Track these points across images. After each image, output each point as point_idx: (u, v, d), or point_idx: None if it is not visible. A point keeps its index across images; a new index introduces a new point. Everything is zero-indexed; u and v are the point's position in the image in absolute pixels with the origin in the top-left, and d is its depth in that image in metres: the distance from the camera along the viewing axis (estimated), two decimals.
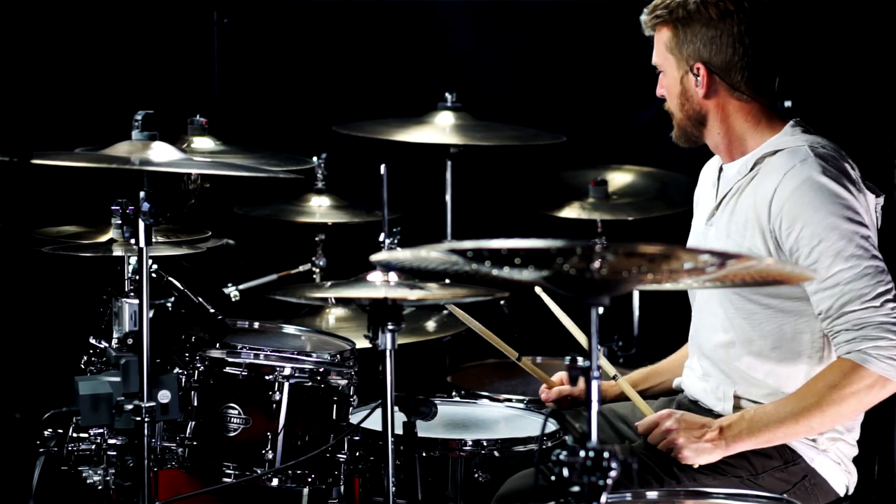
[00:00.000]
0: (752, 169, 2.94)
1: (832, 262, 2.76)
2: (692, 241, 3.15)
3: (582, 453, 1.93)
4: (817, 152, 2.86)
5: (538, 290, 3.23)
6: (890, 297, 2.75)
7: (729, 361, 2.97)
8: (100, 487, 3.07)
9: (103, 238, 3.51)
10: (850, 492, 2.96)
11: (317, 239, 4.52)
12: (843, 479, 2.93)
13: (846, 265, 2.75)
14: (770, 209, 2.84)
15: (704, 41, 2.93)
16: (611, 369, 3.20)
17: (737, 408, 2.95)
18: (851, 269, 2.75)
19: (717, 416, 2.96)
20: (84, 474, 3.11)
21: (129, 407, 2.87)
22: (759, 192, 2.88)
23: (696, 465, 2.80)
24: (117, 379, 2.92)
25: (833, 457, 2.92)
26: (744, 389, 2.95)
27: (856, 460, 2.96)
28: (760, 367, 2.93)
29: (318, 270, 4.51)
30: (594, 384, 1.98)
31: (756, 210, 2.87)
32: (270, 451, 3.15)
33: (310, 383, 3.21)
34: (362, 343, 3.11)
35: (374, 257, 2.21)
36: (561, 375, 3.32)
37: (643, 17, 3.02)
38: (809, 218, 2.78)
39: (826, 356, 2.89)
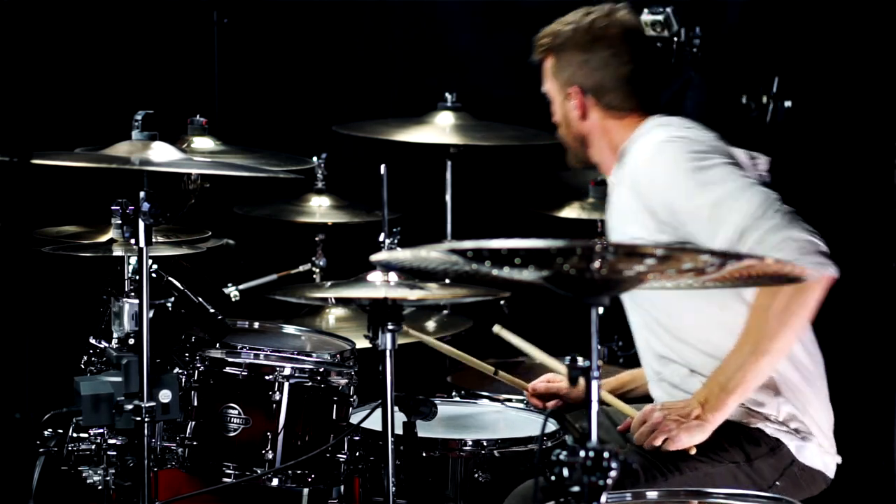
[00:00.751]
0: (620, 168, 3.05)
1: (707, 197, 2.80)
2: None
3: (582, 453, 1.93)
4: (661, 122, 3.01)
5: (496, 329, 3.30)
6: (771, 201, 2.79)
7: (669, 350, 3.03)
8: (100, 487, 3.07)
9: (103, 238, 3.51)
10: (835, 467, 2.99)
11: (317, 239, 4.52)
12: (823, 459, 2.96)
13: (721, 191, 2.79)
14: (637, 190, 2.94)
15: (577, 66, 3.08)
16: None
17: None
18: (729, 193, 2.79)
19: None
20: (84, 474, 3.11)
21: (129, 407, 2.87)
22: (625, 180, 2.99)
23: (692, 450, 2.81)
24: (119, 379, 2.92)
25: (810, 440, 2.94)
26: (695, 366, 2.99)
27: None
28: (700, 344, 2.98)
29: (318, 270, 4.51)
30: (594, 384, 1.98)
31: (627, 197, 2.98)
32: (270, 451, 3.16)
33: (310, 383, 3.21)
34: (362, 343, 3.11)
35: (374, 257, 2.21)
36: (540, 379, 3.33)
37: (535, 51, 3.20)
38: (671, 178, 2.86)
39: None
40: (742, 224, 2.76)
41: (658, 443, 2.82)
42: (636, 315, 3.12)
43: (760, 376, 2.84)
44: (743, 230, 2.76)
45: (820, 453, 2.96)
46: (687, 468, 2.83)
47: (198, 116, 3.91)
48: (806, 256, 2.72)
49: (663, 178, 2.88)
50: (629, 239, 2.95)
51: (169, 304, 3.05)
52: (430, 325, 4.19)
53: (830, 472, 2.98)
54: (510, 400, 3.56)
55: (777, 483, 2.88)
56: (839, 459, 2.99)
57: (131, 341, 2.95)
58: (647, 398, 3.26)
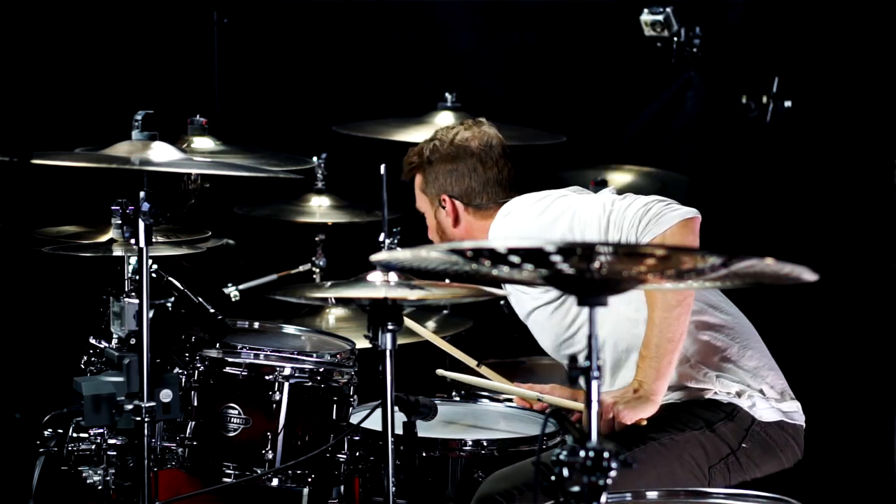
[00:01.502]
0: None
1: (557, 229, 3.06)
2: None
3: (582, 453, 1.93)
4: (503, 211, 3.25)
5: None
6: (605, 195, 3.07)
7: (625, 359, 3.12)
8: (100, 487, 3.07)
9: (103, 238, 3.51)
10: (799, 409, 3.08)
11: (317, 239, 4.52)
12: (780, 409, 3.06)
13: (567, 217, 3.07)
14: None
15: (445, 176, 3.32)
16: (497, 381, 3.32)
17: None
18: (574, 213, 3.07)
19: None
20: (84, 474, 3.11)
21: (129, 407, 2.87)
22: None
23: (642, 422, 2.92)
24: (121, 379, 2.92)
25: (761, 398, 3.05)
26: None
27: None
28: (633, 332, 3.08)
29: (318, 270, 4.51)
30: (594, 384, 1.98)
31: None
32: (270, 451, 3.16)
33: (310, 383, 3.21)
34: (362, 343, 3.11)
35: (374, 257, 2.21)
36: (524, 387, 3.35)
37: (403, 173, 3.42)
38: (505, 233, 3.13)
39: None
40: (601, 225, 3.01)
41: (608, 420, 2.93)
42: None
43: (680, 338, 2.96)
44: (605, 227, 3.00)
45: (774, 406, 3.06)
46: (650, 439, 2.95)
47: (198, 116, 3.91)
48: (666, 210, 2.94)
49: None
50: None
51: (169, 304, 3.05)
52: (430, 325, 4.19)
53: (796, 419, 3.08)
54: (510, 400, 3.56)
55: (743, 445, 3.00)
56: (797, 404, 3.08)
57: (133, 341, 2.94)
58: None
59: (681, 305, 2.95)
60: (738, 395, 3.06)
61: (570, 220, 3.09)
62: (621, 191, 4.71)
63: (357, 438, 3.16)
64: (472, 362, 3.36)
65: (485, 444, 3.04)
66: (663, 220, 2.94)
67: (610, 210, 3.02)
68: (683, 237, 2.95)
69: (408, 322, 3.34)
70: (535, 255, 1.89)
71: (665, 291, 2.92)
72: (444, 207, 3.33)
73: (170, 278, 3.12)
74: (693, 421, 3.02)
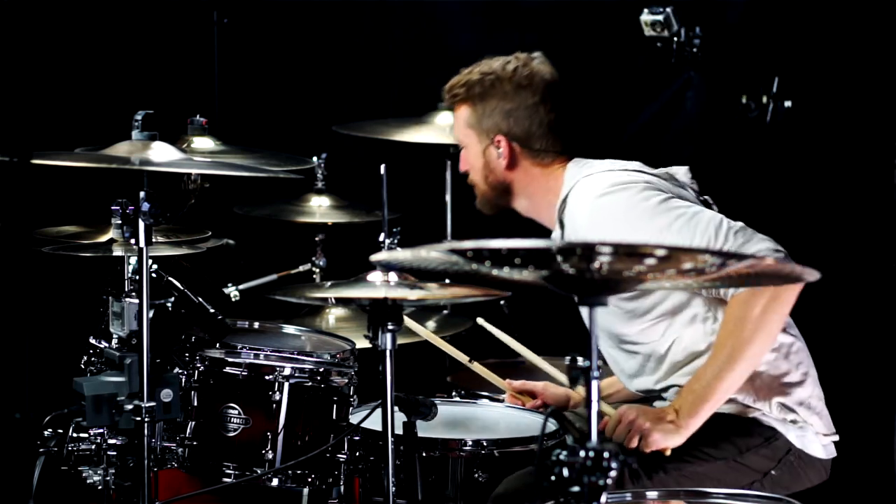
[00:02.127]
0: (562, 228, 3.06)
1: (656, 238, 2.84)
2: None
3: (582, 453, 1.93)
4: (587, 180, 3.00)
5: (480, 320, 3.33)
6: (719, 222, 2.83)
7: (653, 389, 3.05)
8: (100, 487, 3.07)
9: (103, 238, 3.51)
10: (834, 444, 3.00)
11: (317, 239, 4.52)
12: (822, 447, 2.97)
13: (671, 232, 2.83)
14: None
15: (502, 114, 3.09)
16: (563, 378, 3.22)
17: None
18: (679, 231, 2.83)
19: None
20: (84, 474, 3.11)
21: (130, 407, 2.87)
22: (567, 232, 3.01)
23: (667, 451, 2.82)
24: (122, 379, 2.92)
25: (808, 428, 2.95)
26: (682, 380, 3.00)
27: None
28: (680, 379, 2.97)
29: (318, 270, 4.51)
30: (594, 384, 1.98)
31: None
32: (270, 451, 3.16)
33: (310, 383, 3.21)
34: (362, 343, 3.11)
35: (374, 257, 2.21)
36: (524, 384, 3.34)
37: (445, 96, 3.21)
38: (621, 232, 2.87)
39: (718, 312, 2.94)
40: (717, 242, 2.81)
41: (634, 443, 2.83)
42: (611, 349, 3.14)
43: (736, 383, 2.85)
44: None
45: (818, 439, 2.96)
46: (671, 467, 2.85)
47: (198, 116, 3.91)
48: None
49: (615, 234, 2.89)
50: None
51: (169, 304, 3.05)
52: (430, 325, 4.19)
53: (830, 454, 2.99)
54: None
55: (773, 472, 2.90)
56: (836, 438, 3.00)
57: (134, 341, 2.94)
58: (630, 400, 3.27)
59: (746, 361, 2.82)
60: (793, 423, 2.94)
61: (668, 238, 2.88)
62: None
63: (357, 438, 3.16)
64: (464, 358, 3.36)
65: (485, 444, 3.04)
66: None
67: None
68: (779, 307, 2.81)
69: (409, 323, 3.35)
70: (535, 256, 1.89)
71: (745, 337, 2.80)
72: (497, 149, 3.11)
73: (170, 278, 3.12)
74: (722, 448, 2.90)
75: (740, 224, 2.86)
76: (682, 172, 3.11)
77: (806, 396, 2.96)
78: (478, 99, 3.12)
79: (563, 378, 3.20)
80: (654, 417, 2.83)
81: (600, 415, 3.08)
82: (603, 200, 2.93)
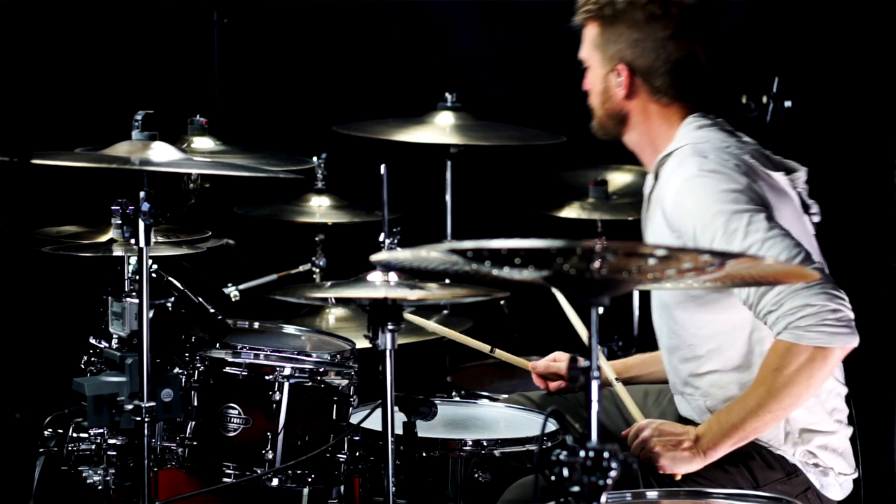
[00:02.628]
0: (656, 179, 2.98)
1: (731, 247, 2.73)
2: None
3: (582, 453, 1.93)
4: (697, 149, 2.86)
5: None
6: (799, 259, 2.70)
7: (693, 374, 2.99)
8: (100, 487, 3.07)
9: (103, 238, 3.51)
10: (849, 491, 2.96)
11: (317, 239, 4.52)
12: (840, 487, 2.93)
13: (744, 245, 2.72)
14: (668, 218, 2.86)
15: (629, 43, 2.94)
16: (611, 374, 3.20)
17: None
18: (752, 247, 2.71)
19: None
20: (84, 474, 3.10)
21: (130, 407, 2.88)
22: (660, 203, 2.91)
23: (677, 476, 2.78)
24: (123, 379, 2.92)
25: (829, 471, 2.91)
26: (711, 402, 2.96)
27: (856, 460, 2.96)
28: (722, 377, 2.94)
29: (318, 270, 4.51)
30: (594, 384, 1.98)
31: (662, 220, 2.90)
32: (270, 451, 3.15)
33: (310, 383, 3.21)
34: (362, 343, 3.11)
35: (374, 257, 2.21)
36: (548, 357, 3.32)
37: (576, 11, 3.04)
38: (698, 218, 2.78)
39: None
40: (765, 289, 2.71)
41: (645, 462, 2.80)
42: (665, 325, 3.07)
43: (761, 430, 2.80)
44: (763, 289, 2.71)
45: (838, 479, 2.92)
46: (684, 492, 2.77)
47: (198, 116, 3.91)
48: (822, 326, 2.66)
49: (692, 217, 2.79)
50: None
51: (169, 304, 3.05)
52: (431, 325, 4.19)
53: (846, 492, 2.95)
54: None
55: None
56: (856, 475, 2.96)
57: (135, 341, 2.94)
58: (655, 383, 3.27)
59: (773, 413, 2.75)
60: (815, 465, 2.89)
61: (727, 218, 2.75)
62: (622, 191, 4.74)
63: (357, 438, 3.16)
64: (485, 348, 3.35)
65: (485, 444, 3.04)
66: (804, 335, 2.68)
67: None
68: (815, 370, 2.69)
69: (416, 319, 3.35)
70: (535, 256, 1.89)
71: (775, 390, 2.73)
72: (618, 77, 2.98)
73: (170, 278, 3.12)
74: (738, 476, 2.85)
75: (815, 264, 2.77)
76: (801, 174, 3.01)
77: (834, 443, 2.91)
78: (607, 20, 2.96)
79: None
80: (668, 443, 2.78)
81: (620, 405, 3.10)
82: (696, 181, 2.81)
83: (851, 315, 2.68)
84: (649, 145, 3.03)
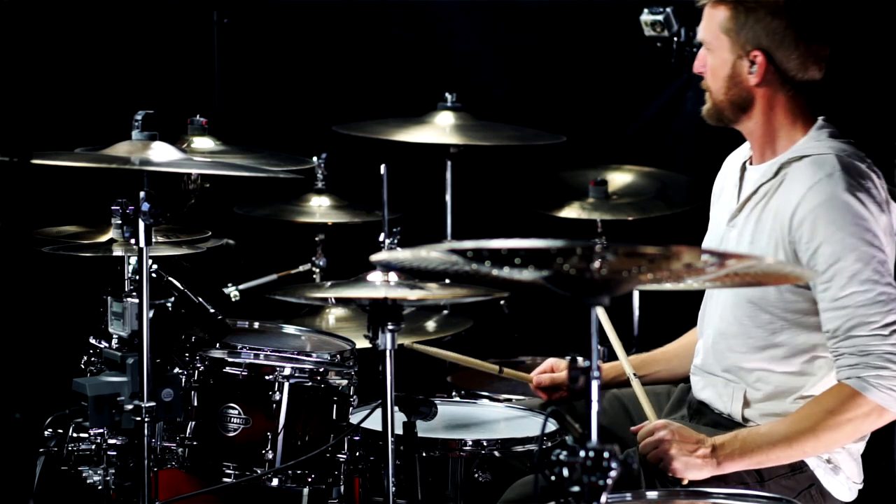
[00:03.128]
0: (776, 174, 2.91)
1: (847, 283, 2.73)
2: (709, 240, 3.13)
3: (582, 453, 1.93)
4: (844, 163, 2.83)
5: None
6: (890, 307, 2.73)
7: (736, 364, 2.96)
8: (100, 487, 3.07)
9: (103, 238, 3.51)
10: (858, 488, 2.96)
11: (317, 239, 4.52)
12: (849, 488, 2.93)
13: (860, 288, 2.72)
14: (792, 222, 2.82)
15: (768, 30, 2.87)
16: (629, 369, 3.19)
17: (746, 409, 2.94)
18: (865, 293, 2.72)
19: (726, 418, 2.96)
20: (84, 474, 3.10)
21: (130, 407, 2.88)
22: (784, 202, 2.85)
23: (685, 481, 2.77)
24: (124, 379, 2.93)
25: (840, 470, 2.91)
26: (752, 393, 2.95)
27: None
28: (768, 375, 2.92)
29: (318, 270, 4.51)
30: (594, 384, 1.98)
31: (780, 220, 2.85)
32: (270, 451, 3.15)
33: (310, 383, 3.21)
34: (362, 343, 3.11)
35: (374, 257, 2.21)
36: (542, 367, 3.32)
37: None
38: (830, 236, 2.76)
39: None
40: (855, 321, 2.73)
41: (655, 462, 2.79)
42: (733, 314, 2.99)
43: (784, 461, 2.80)
44: (851, 327, 2.73)
45: (846, 485, 2.92)
46: (690, 486, 2.77)
47: (198, 116, 3.91)
48: (888, 390, 2.70)
49: (828, 251, 2.76)
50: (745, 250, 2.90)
51: (169, 304, 3.05)
52: (430, 325, 4.19)
53: (852, 497, 2.95)
54: (510, 400, 3.56)
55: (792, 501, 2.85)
56: (861, 486, 2.96)
57: (136, 341, 2.94)
58: (665, 382, 3.26)
59: (802, 450, 2.76)
60: (827, 461, 2.89)
61: (846, 282, 2.74)
62: (622, 191, 4.74)
63: (357, 438, 3.16)
64: (493, 369, 3.34)
65: (485, 444, 3.04)
66: (873, 390, 2.70)
67: (870, 324, 2.72)
68: (859, 424, 2.73)
69: (423, 348, 3.35)
70: (535, 256, 1.89)
71: (816, 430, 2.73)
72: (751, 64, 2.89)
73: (170, 278, 3.12)
74: (743, 474, 2.83)
75: None
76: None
77: (850, 447, 2.91)
78: (743, 5, 2.87)
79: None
80: (685, 447, 2.76)
81: (628, 406, 3.08)
82: (840, 201, 2.78)
83: None
84: (767, 135, 2.96)
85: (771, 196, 2.91)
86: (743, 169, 3.06)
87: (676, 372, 3.28)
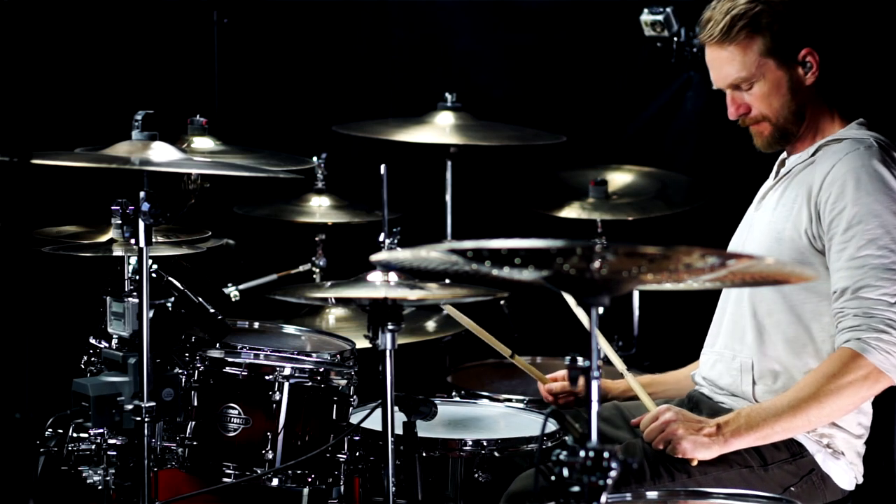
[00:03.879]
0: (812, 155, 2.97)
1: (865, 244, 2.78)
2: (739, 229, 3.16)
3: (582, 453, 1.93)
4: (881, 143, 2.90)
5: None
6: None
7: (748, 351, 2.98)
8: (100, 487, 3.07)
9: (103, 238, 3.51)
10: (858, 482, 2.96)
11: (317, 239, 4.52)
12: (849, 474, 2.93)
13: (878, 252, 2.77)
14: (823, 183, 2.86)
15: (813, 26, 2.91)
16: (620, 365, 3.19)
17: (753, 384, 2.95)
18: (881, 258, 2.76)
19: (727, 407, 2.97)
20: (84, 474, 3.10)
21: (130, 407, 2.88)
22: (816, 170, 2.90)
23: (694, 461, 2.79)
24: (126, 379, 2.93)
25: (840, 455, 2.91)
26: (760, 370, 2.95)
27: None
28: (779, 360, 2.93)
29: (318, 270, 4.51)
30: (594, 384, 1.98)
31: (809, 185, 2.89)
32: (270, 451, 3.16)
33: (310, 383, 3.21)
34: (362, 343, 3.11)
35: (374, 257, 2.21)
36: (556, 374, 3.32)
37: (710, 37, 2.94)
38: (857, 199, 2.80)
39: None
40: (865, 281, 2.76)
41: (661, 446, 2.80)
42: (746, 306, 3.01)
43: (790, 433, 2.82)
44: (860, 287, 2.76)
45: (846, 471, 2.92)
46: (696, 470, 2.80)
47: (198, 116, 3.91)
48: (891, 355, 2.73)
49: (852, 213, 2.80)
50: (790, 223, 2.91)
51: (169, 304, 3.05)
52: (430, 325, 4.19)
53: (852, 485, 2.95)
54: (510, 400, 3.57)
55: (791, 488, 2.85)
56: (860, 479, 2.96)
57: (137, 341, 2.94)
58: (667, 401, 3.26)
59: (809, 419, 2.78)
60: (828, 446, 2.90)
61: (862, 247, 2.78)
62: (622, 191, 4.74)
63: (357, 438, 3.16)
64: (506, 352, 3.34)
65: (485, 444, 3.04)
66: (872, 351, 2.73)
67: (881, 291, 2.75)
68: (862, 390, 2.76)
69: (450, 310, 3.33)
70: (535, 256, 1.89)
71: (820, 396, 2.75)
72: (805, 65, 2.91)
73: (170, 278, 3.12)
74: (747, 456, 2.84)
75: None
76: None
77: (849, 427, 2.92)
78: (768, 21, 2.88)
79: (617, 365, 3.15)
80: (691, 427, 2.79)
81: (623, 407, 3.08)
82: (877, 168, 2.82)
83: None
84: (812, 131, 3.00)
85: (802, 171, 2.96)
86: (781, 165, 3.10)
87: (685, 392, 3.29)
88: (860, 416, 2.94)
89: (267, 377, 3.19)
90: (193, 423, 3.21)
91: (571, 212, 4.56)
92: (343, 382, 3.24)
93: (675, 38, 4.63)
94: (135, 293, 3.05)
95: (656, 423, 2.82)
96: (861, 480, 2.97)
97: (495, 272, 1.98)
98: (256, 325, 3.62)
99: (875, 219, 2.79)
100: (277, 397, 3.18)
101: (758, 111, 2.97)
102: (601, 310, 1.98)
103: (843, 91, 3.00)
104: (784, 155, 3.11)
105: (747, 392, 2.96)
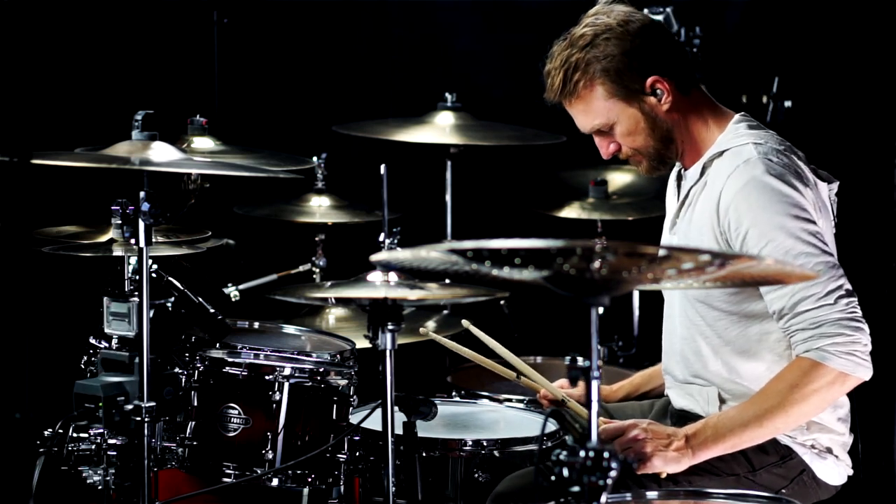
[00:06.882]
0: (701, 175, 2.94)
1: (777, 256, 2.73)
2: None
3: (582, 453, 1.93)
4: (760, 150, 2.83)
5: (465, 323, 3.27)
6: (842, 292, 2.73)
7: (702, 367, 2.97)
8: (100, 487, 3.07)
9: (103, 238, 3.51)
10: (850, 474, 2.96)
11: (317, 239, 4.52)
12: (838, 470, 2.93)
13: (796, 263, 2.72)
14: (718, 212, 2.83)
15: (641, 58, 2.88)
16: (514, 371, 3.18)
17: (724, 408, 2.93)
18: (801, 267, 2.68)
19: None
20: (84, 474, 3.10)
21: (129, 407, 2.88)
22: (710, 197, 2.87)
23: (662, 475, 2.76)
24: (134, 378, 2.93)
25: (826, 454, 2.91)
26: (725, 394, 2.94)
27: (855, 460, 2.96)
28: (733, 371, 2.92)
29: (318, 270, 4.51)
30: (594, 384, 1.98)
31: (708, 214, 2.86)
32: (270, 451, 3.15)
33: (310, 383, 3.21)
34: (362, 343, 3.11)
35: (374, 257, 2.21)
36: (561, 382, 3.31)
37: (553, 94, 3.06)
38: (755, 218, 2.77)
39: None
40: (797, 296, 2.74)
41: (629, 460, 2.78)
42: (685, 316, 3.03)
43: (757, 441, 2.79)
44: (796, 303, 2.74)
45: (835, 468, 2.92)
46: (683, 480, 2.79)
47: (198, 116, 3.91)
48: (851, 356, 2.71)
49: (756, 234, 2.77)
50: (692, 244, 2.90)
51: (169, 304, 3.05)
52: (430, 325, 4.19)
53: (842, 480, 2.95)
54: (510, 400, 3.57)
55: (783, 491, 2.84)
56: (851, 472, 2.96)
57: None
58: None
59: (775, 426, 2.75)
60: (812, 447, 2.90)
61: (787, 231, 2.75)
62: (622, 191, 4.74)
63: (357, 438, 3.16)
64: (511, 375, 3.34)
65: (485, 444, 3.04)
66: (833, 358, 2.71)
67: (818, 296, 2.73)
68: (824, 394, 2.72)
69: (442, 340, 3.32)
70: (535, 256, 1.89)
71: (785, 405, 2.73)
72: (656, 94, 2.89)
73: (170, 278, 3.12)
74: (734, 463, 2.84)
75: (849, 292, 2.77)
76: (835, 187, 2.97)
77: (835, 423, 2.91)
78: (609, 63, 2.89)
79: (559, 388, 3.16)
80: (660, 444, 2.75)
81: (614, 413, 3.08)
82: (759, 184, 2.78)
83: (869, 345, 2.74)
84: (693, 142, 2.97)
85: (698, 196, 2.93)
86: (679, 178, 3.08)
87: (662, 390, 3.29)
88: (837, 410, 2.92)
89: (267, 377, 3.19)
90: (193, 423, 3.21)
91: (571, 212, 4.57)
92: (343, 382, 3.24)
93: (675, 38, 4.63)
94: (135, 293, 3.05)
95: (624, 439, 2.77)
96: (851, 472, 2.96)
97: (495, 272, 1.98)
98: (256, 325, 3.62)
99: (779, 231, 2.75)
100: (277, 397, 3.18)
101: (627, 148, 2.98)
102: (601, 310, 1.98)
103: (705, 100, 2.97)
104: (679, 167, 3.07)
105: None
